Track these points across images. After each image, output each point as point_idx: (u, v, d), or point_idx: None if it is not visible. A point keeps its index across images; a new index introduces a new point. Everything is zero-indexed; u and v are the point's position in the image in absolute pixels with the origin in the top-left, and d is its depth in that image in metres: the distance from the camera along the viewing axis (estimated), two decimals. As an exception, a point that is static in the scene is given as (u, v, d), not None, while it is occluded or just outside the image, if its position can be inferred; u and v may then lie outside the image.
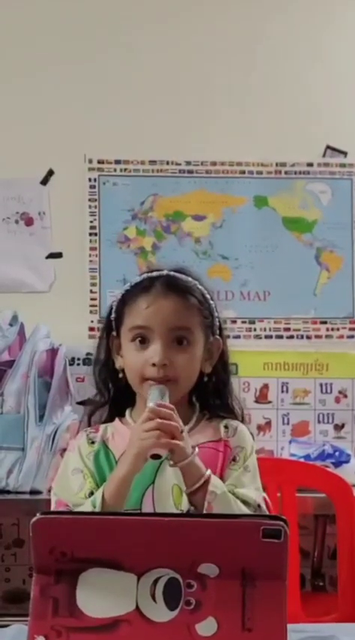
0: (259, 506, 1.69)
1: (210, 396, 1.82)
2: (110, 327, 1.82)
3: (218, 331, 1.82)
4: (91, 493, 1.68)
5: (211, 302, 1.81)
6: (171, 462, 1.62)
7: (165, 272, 1.80)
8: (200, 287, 1.80)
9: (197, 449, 1.65)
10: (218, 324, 1.83)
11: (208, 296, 1.81)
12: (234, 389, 1.86)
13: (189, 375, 1.75)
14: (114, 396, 1.83)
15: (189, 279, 1.80)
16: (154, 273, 1.80)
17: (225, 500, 1.62)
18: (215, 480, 1.64)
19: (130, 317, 1.76)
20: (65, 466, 1.77)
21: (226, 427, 1.79)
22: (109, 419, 1.82)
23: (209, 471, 1.64)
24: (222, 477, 1.69)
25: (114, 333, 1.81)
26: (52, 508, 1.73)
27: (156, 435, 1.59)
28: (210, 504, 1.60)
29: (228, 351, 1.85)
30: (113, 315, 1.82)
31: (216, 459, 1.72)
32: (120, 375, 1.79)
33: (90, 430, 1.80)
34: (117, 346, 1.80)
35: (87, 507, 1.63)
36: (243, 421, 1.83)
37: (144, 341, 1.73)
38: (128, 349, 1.75)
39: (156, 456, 1.60)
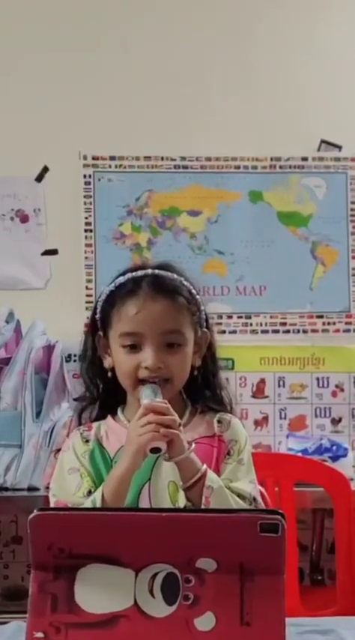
0: (255, 499, 1.69)
1: (200, 388, 1.82)
2: (95, 327, 1.82)
3: (205, 324, 1.82)
4: (90, 492, 1.68)
5: (197, 297, 1.80)
6: (167, 456, 1.62)
7: (150, 271, 1.77)
8: (186, 283, 1.78)
9: (194, 444, 1.65)
10: (204, 316, 1.82)
11: (194, 291, 1.79)
12: (223, 380, 1.86)
13: (182, 374, 1.75)
14: (104, 393, 1.82)
15: (175, 276, 1.78)
16: (139, 273, 1.77)
17: (222, 494, 1.63)
18: (211, 475, 1.64)
19: (119, 322, 1.74)
20: (61, 466, 1.76)
21: (219, 422, 1.79)
22: (100, 416, 1.81)
23: (205, 466, 1.64)
24: (217, 472, 1.69)
25: (100, 333, 1.81)
26: (52, 509, 1.72)
27: (154, 428, 1.59)
28: (207, 499, 1.61)
29: (216, 343, 1.85)
30: (98, 315, 1.81)
31: (210, 455, 1.73)
32: (110, 374, 1.79)
33: (84, 429, 1.79)
34: (105, 346, 1.79)
35: (86, 507, 1.62)
36: (231, 411, 1.82)
37: (135, 346, 1.73)
38: (118, 353, 1.74)
39: (155, 450, 1.59)
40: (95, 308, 1.82)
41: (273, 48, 3.73)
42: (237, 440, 1.77)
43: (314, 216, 3.71)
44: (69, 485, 1.72)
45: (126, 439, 1.65)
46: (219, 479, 1.66)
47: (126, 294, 1.75)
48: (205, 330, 1.82)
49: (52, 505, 1.72)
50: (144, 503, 1.69)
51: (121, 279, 1.78)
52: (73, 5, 3.67)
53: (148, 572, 1.24)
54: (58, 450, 1.85)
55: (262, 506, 1.71)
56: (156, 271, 1.78)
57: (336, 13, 3.75)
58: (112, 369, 1.78)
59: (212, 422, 1.79)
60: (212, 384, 1.83)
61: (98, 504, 1.61)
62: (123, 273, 1.80)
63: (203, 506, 1.60)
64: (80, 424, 1.82)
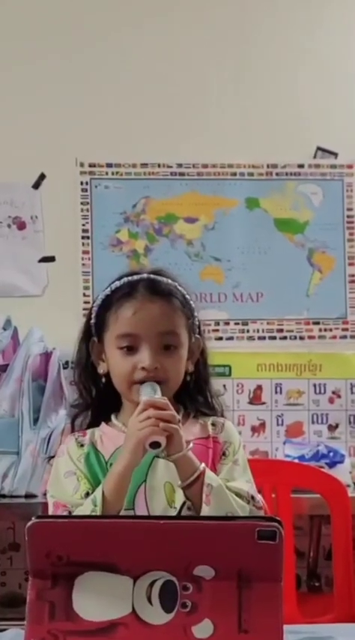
0: (253, 497, 1.70)
1: (193, 393, 1.83)
2: (89, 332, 1.83)
3: (198, 330, 1.83)
4: (87, 494, 1.68)
5: (191, 302, 1.82)
6: (165, 454, 1.63)
7: (145, 275, 1.80)
8: (180, 288, 1.81)
9: (192, 443, 1.66)
10: (197, 323, 1.84)
11: (188, 297, 1.82)
12: (214, 387, 1.87)
13: (177, 377, 1.76)
14: (97, 400, 1.83)
15: (169, 281, 1.81)
16: (134, 277, 1.80)
17: (221, 492, 1.63)
18: (210, 473, 1.65)
19: (116, 324, 1.75)
20: (56, 471, 1.77)
21: (213, 424, 1.80)
22: (94, 423, 1.82)
23: (203, 464, 1.65)
24: (214, 473, 1.69)
25: (94, 339, 1.81)
26: (50, 510, 1.72)
27: (153, 422, 1.60)
28: (207, 497, 1.61)
29: (208, 349, 1.86)
30: (93, 321, 1.82)
31: (206, 456, 1.73)
32: (103, 380, 1.80)
33: (78, 434, 1.80)
34: (99, 352, 1.80)
35: (87, 506, 1.63)
36: (222, 416, 1.84)
37: (131, 348, 1.73)
38: (114, 355, 1.75)
39: (155, 445, 1.59)
40: (90, 313, 1.84)
41: (270, 55, 3.73)
42: (232, 442, 1.79)
43: (311, 223, 3.71)
44: (66, 487, 1.72)
45: (126, 435, 1.65)
46: (218, 477, 1.67)
47: (122, 297, 1.77)
48: (198, 336, 1.83)
49: (50, 506, 1.73)
50: (140, 504, 1.69)
51: (117, 283, 1.81)
52: (69, 13, 3.68)
53: (146, 579, 1.24)
54: (52, 457, 1.86)
55: (260, 504, 1.71)
56: (152, 275, 1.80)
57: (332, 22, 3.76)
58: (106, 375, 1.79)
59: (206, 424, 1.80)
60: (204, 390, 1.85)
61: (98, 502, 1.61)
62: (119, 279, 1.82)
63: (203, 504, 1.61)
64: (74, 430, 1.83)
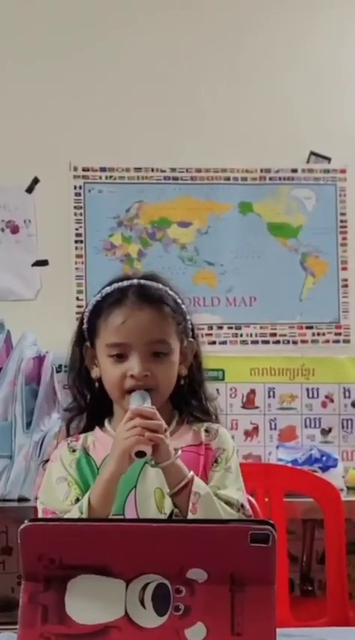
0: (243, 506, 1.69)
1: (187, 397, 1.83)
2: (82, 337, 1.83)
3: (191, 333, 1.83)
4: (77, 500, 1.68)
5: (183, 306, 1.81)
6: (153, 462, 1.63)
7: (135, 281, 1.79)
8: (171, 293, 1.79)
9: (180, 451, 1.66)
10: (190, 326, 1.83)
11: (179, 301, 1.81)
12: (209, 391, 1.86)
13: (168, 383, 1.76)
14: (91, 404, 1.83)
15: (160, 286, 1.79)
16: (124, 283, 1.79)
17: (209, 500, 1.63)
18: (198, 481, 1.65)
19: (106, 332, 1.75)
20: (49, 476, 1.77)
21: (207, 431, 1.79)
22: (88, 428, 1.82)
23: (192, 473, 1.65)
24: (205, 480, 1.69)
25: (87, 344, 1.81)
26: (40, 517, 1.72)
27: (139, 432, 1.59)
28: (194, 505, 1.61)
29: (202, 353, 1.86)
30: (85, 326, 1.82)
31: (197, 463, 1.73)
32: (97, 384, 1.80)
33: (71, 439, 1.80)
34: (92, 356, 1.80)
35: (74, 513, 1.63)
36: (216, 420, 1.83)
37: (121, 355, 1.73)
38: (105, 362, 1.75)
39: (140, 454, 1.59)
40: (82, 319, 1.84)
41: (263, 61, 3.74)
42: (225, 448, 1.78)
43: (304, 227, 3.72)
44: (57, 494, 1.72)
45: (113, 443, 1.65)
46: (207, 486, 1.67)
47: (112, 304, 1.76)
48: (191, 339, 1.83)
49: (39, 513, 1.73)
50: (130, 510, 1.69)
51: (107, 289, 1.80)
52: (63, 17, 3.68)
53: (139, 582, 1.24)
54: (46, 461, 1.86)
55: (250, 513, 1.71)
56: (142, 281, 1.79)
57: (325, 28, 3.77)
58: (99, 380, 1.79)
59: (199, 431, 1.79)
60: (198, 393, 1.84)
61: (84, 509, 1.61)
62: (110, 284, 1.81)
63: (190, 513, 1.61)
64: (69, 435, 1.82)
